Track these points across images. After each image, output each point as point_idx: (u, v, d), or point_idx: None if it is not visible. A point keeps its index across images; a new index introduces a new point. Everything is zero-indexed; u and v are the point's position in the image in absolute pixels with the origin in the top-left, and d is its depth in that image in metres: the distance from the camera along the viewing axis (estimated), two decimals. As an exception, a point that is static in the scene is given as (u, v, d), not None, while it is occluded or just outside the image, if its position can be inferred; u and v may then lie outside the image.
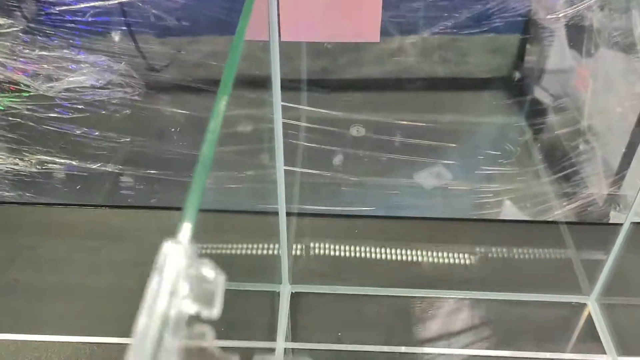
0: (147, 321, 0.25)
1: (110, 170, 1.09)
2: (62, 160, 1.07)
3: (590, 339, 0.82)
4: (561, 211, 1.08)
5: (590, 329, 0.83)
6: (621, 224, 0.77)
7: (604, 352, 0.80)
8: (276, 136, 0.74)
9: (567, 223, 1.00)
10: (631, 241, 0.77)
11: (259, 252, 0.96)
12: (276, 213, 0.82)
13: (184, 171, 1.11)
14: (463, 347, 0.82)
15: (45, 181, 1.10)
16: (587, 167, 1.19)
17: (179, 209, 1.09)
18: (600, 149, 1.12)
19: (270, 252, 0.96)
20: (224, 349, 0.30)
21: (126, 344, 0.81)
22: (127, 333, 0.83)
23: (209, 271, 0.30)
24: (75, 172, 1.10)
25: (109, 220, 1.03)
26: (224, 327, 0.84)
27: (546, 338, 0.82)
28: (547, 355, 0.80)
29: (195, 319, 0.29)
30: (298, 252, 0.95)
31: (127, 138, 1.06)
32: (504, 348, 0.82)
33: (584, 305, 0.86)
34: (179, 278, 0.27)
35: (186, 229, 0.31)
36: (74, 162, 1.09)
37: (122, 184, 1.10)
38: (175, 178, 1.09)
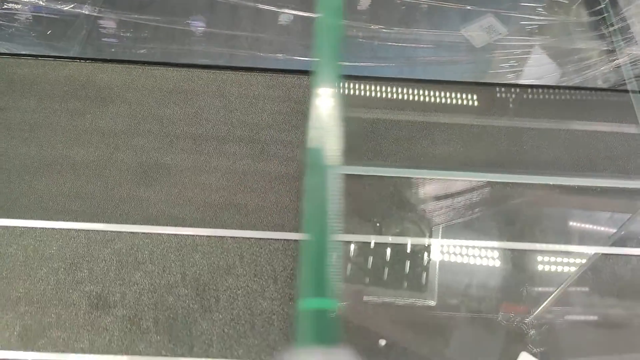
0: None
1: (87, 12, 0.89)
2: (26, -1, 0.86)
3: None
4: (607, 66, 0.94)
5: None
6: None
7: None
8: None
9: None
10: None
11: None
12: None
13: (177, 16, 0.91)
14: (524, 241, 0.72)
15: (8, 24, 0.90)
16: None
17: (176, 65, 0.88)
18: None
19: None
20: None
21: (127, 232, 0.68)
22: (124, 219, 0.71)
23: None
24: (43, 15, 0.90)
25: (93, 76, 0.85)
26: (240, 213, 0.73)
27: (609, 230, 0.72)
28: (613, 250, 0.71)
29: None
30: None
31: (106, -28, 0.85)
32: (569, 242, 0.72)
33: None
34: None
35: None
36: (40, 2, 0.88)
37: (102, 31, 0.90)
38: (167, 25, 0.90)
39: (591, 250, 0.71)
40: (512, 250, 0.71)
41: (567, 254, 0.71)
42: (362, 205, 0.74)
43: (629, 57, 1.00)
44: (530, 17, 0.92)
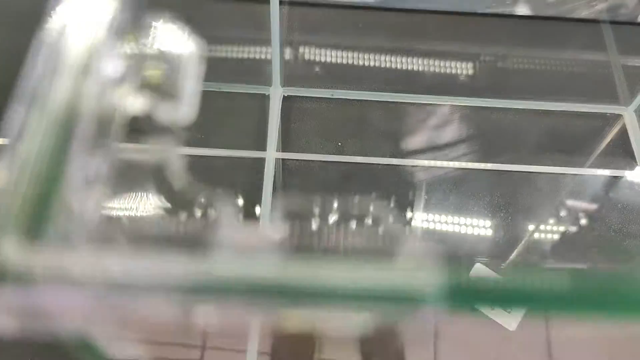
0: (25, 120, 0.12)
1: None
2: None
3: (622, 155, 0.73)
4: (588, 12, 0.93)
5: (624, 144, 0.73)
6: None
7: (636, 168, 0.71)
8: None
9: (611, 22, 0.85)
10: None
11: (245, 47, 0.81)
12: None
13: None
14: (476, 159, 0.72)
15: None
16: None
17: None
18: None
19: (259, 48, 0.80)
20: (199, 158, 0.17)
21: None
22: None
23: (168, 34, 0.16)
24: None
25: None
26: (203, 133, 0.73)
27: (570, 151, 0.73)
28: (574, 170, 0.72)
29: (146, 124, 0.16)
30: (291, 50, 0.80)
31: None
32: (521, 162, 0.72)
33: (619, 116, 0.75)
34: (101, 39, 0.14)
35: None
36: None
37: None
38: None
39: (567, 170, 0.71)
40: (484, 169, 0.71)
41: (541, 174, 0.71)
42: (324, 126, 0.74)
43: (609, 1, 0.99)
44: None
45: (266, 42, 0.79)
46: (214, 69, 0.77)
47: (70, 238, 0.11)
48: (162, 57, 0.15)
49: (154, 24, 0.15)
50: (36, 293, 0.10)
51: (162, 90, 0.15)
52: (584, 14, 0.96)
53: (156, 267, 0.10)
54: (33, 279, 0.10)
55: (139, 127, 0.15)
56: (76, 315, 0.11)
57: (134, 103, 0.14)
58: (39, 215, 0.10)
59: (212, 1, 0.83)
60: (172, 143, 0.15)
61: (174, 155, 0.15)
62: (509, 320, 0.61)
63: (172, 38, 0.15)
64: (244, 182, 0.70)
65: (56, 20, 0.14)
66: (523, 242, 0.69)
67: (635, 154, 0.72)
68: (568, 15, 0.90)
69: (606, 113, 0.75)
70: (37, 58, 0.13)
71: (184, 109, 0.15)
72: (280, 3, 0.69)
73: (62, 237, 0.11)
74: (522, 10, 0.90)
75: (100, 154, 0.13)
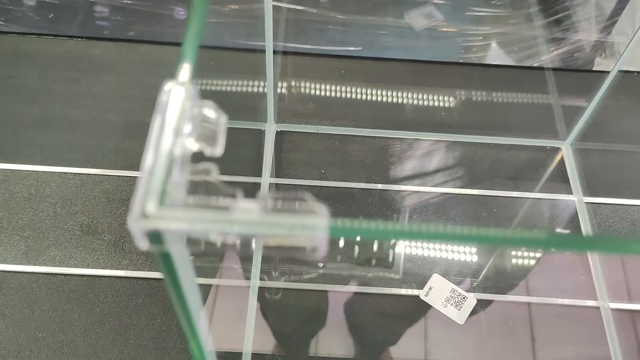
0: (153, 158, 0.25)
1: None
2: (31, -14, 1.00)
3: (559, 181, 0.86)
4: (548, 57, 1.08)
5: (561, 172, 0.87)
6: (608, 72, 0.78)
7: (571, 193, 0.85)
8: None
9: (554, 69, 1.00)
10: (615, 89, 0.78)
11: (245, 90, 0.95)
12: (263, 51, 0.80)
13: (163, 3, 1.06)
14: (438, 185, 0.86)
15: (16, 9, 1.04)
16: (580, 11, 1.17)
17: (159, 43, 1.05)
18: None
19: (256, 90, 0.95)
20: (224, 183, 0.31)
21: (114, 176, 0.82)
22: (112, 165, 0.85)
23: (210, 111, 0.30)
24: (46, 0, 1.04)
25: (87, 52, 1.00)
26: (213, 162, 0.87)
27: (517, 178, 0.86)
28: (516, 194, 0.85)
29: (198, 156, 0.30)
30: (283, 92, 0.95)
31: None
32: (476, 187, 0.86)
33: (558, 149, 0.90)
34: (182, 118, 0.27)
35: (186, 69, 0.30)
36: (44, -12, 1.02)
37: (96, 14, 1.04)
38: (154, 10, 1.04)
39: (515, 194, 0.85)
40: (444, 193, 0.85)
41: (492, 197, 0.85)
42: (310, 156, 0.87)
43: (567, 47, 1.14)
44: (473, 7, 1.07)
45: (262, 86, 0.94)
46: (219, 108, 0.91)
47: (173, 205, 0.24)
48: (208, 120, 0.29)
49: (204, 102, 0.29)
50: (162, 228, 0.23)
51: (208, 138, 0.28)
52: (543, 58, 1.11)
53: (213, 217, 0.24)
54: (160, 221, 0.23)
55: (196, 158, 0.28)
56: (178, 238, 0.24)
57: (195, 146, 0.27)
58: (161, 195, 0.24)
59: (219, 51, 0.98)
60: (213, 166, 0.28)
61: (214, 172, 0.28)
62: (459, 316, 0.74)
63: (212, 108, 0.29)
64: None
65: (164, 95, 0.27)
66: (475, 257, 0.82)
67: (570, 181, 0.86)
68: (525, 63, 1.05)
69: (547, 146, 0.89)
70: (155, 118, 0.26)
71: (218, 149, 0.28)
72: (274, 52, 0.83)
73: (170, 204, 0.24)
74: (488, 58, 1.05)
75: (182, 171, 0.26)
